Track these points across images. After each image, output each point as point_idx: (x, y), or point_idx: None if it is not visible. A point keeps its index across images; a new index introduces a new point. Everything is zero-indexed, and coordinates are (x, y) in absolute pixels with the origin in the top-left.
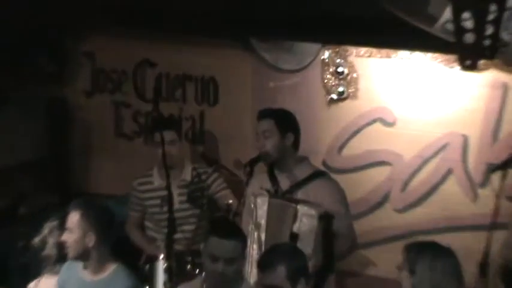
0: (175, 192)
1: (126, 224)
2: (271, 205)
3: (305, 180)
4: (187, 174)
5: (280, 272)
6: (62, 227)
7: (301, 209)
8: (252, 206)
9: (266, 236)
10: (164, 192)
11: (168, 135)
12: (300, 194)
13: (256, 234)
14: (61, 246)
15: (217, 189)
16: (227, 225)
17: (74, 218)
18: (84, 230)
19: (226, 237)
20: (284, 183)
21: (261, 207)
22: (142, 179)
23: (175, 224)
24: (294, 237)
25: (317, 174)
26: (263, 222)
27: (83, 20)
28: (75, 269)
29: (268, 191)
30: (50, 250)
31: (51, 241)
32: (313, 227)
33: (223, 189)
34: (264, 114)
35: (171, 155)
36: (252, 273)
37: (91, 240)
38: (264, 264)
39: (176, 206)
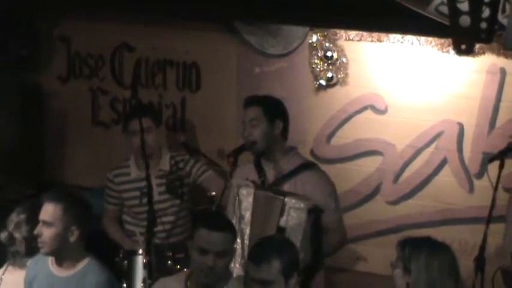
0: (153, 183)
1: (103, 218)
2: (257, 197)
3: (293, 171)
4: (165, 164)
5: (275, 266)
6: (31, 221)
7: (289, 201)
8: (237, 197)
9: (251, 229)
10: (142, 184)
11: (144, 122)
12: (287, 186)
13: (239, 227)
14: (31, 240)
15: (199, 173)
16: (217, 217)
17: (52, 210)
18: (67, 224)
19: (216, 230)
20: (271, 174)
21: (246, 199)
22: (118, 170)
23: (155, 216)
24: (281, 231)
25: (306, 166)
26: (248, 214)
27: (56, 1)
28: (44, 264)
29: (254, 182)
30: (18, 246)
31: (19, 236)
32: (302, 221)
33: (205, 171)
34: (251, 101)
35: (147, 144)
36: (234, 267)
37: (73, 235)
38: (258, 257)
39: (155, 197)
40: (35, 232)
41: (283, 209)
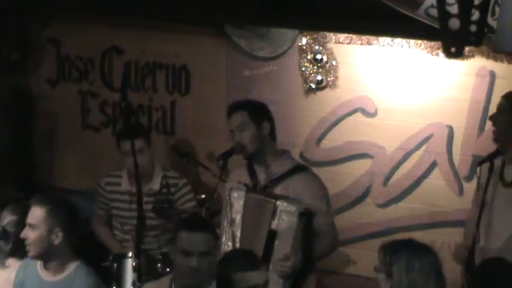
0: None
1: (92, 221)
2: (248, 200)
3: (285, 174)
4: (155, 183)
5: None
6: (21, 223)
7: (281, 205)
8: (228, 200)
9: (242, 232)
10: (132, 197)
11: (137, 143)
12: (279, 189)
13: (231, 230)
14: (17, 240)
15: (182, 201)
16: (196, 219)
17: (37, 213)
18: (50, 226)
19: (197, 230)
20: (263, 177)
21: (237, 201)
22: (110, 179)
23: (145, 221)
24: (272, 234)
25: (297, 169)
26: (238, 217)
27: (46, 4)
28: (33, 268)
29: (246, 185)
30: (3, 244)
31: (10, 233)
32: (293, 225)
33: (188, 201)
34: (235, 107)
35: (141, 165)
36: None
37: (57, 238)
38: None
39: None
40: (21, 235)
41: (274, 212)
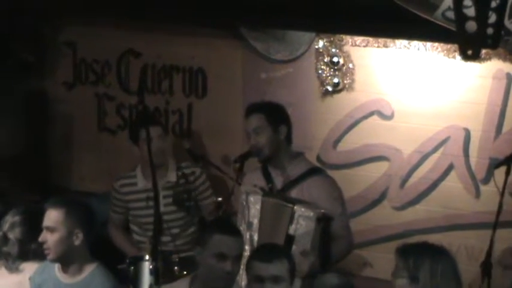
0: (160, 194)
1: (108, 225)
2: (265, 204)
3: (300, 177)
4: (172, 175)
5: (285, 264)
6: (26, 224)
7: (298, 210)
8: (245, 204)
9: (259, 236)
10: (149, 194)
11: (155, 131)
12: (294, 192)
13: (248, 234)
14: (24, 243)
15: (203, 196)
16: (229, 223)
17: (55, 216)
18: (70, 228)
19: (233, 234)
20: (278, 180)
21: (254, 205)
22: (124, 180)
23: (162, 222)
24: (290, 239)
25: (313, 171)
26: (256, 221)
27: (62, 7)
28: (50, 271)
29: (262, 189)
30: (11, 248)
31: (12, 237)
32: (310, 230)
33: (209, 197)
34: (253, 109)
35: (161, 151)
36: (243, 274)
37: (78, 239)
38: (269, 255)
39: (161, 209)
40: (40, 240)
41: (292, 217)
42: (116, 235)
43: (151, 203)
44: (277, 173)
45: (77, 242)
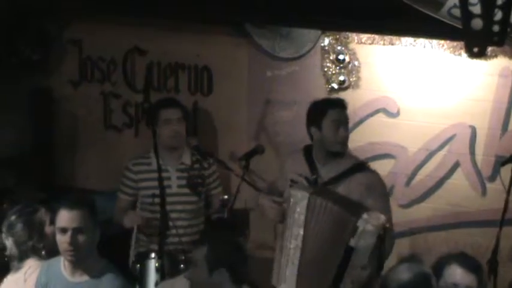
0: (173, 175)
1: (114, 208)
2: (311, 202)
3: (346, 172)
4: (187, 158)
5: None
6: (25, 224)
7: (361, 224)
8: (291, 200)
9: (305, 231)
10: (163, 175)
11: (175, 113)
12: (341, 188)
13: (294, 228)
14: (21, 243)
15: (213, 186)
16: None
17: (81, 216)
18: (94, 228)
19: None
20: (323, 172)
21: (299, 201)
22: (138, 160)
23: (168, 219)
24: (350, 250)
25: (359, 167)
26: (302, 218)
27: (68, 5)
28: (56, 270)
29: (307, 179)
30: (11, 249)
31: (11, 239)
32: (371, 243)
33: (217, 187)
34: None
35: (179, 134)
36: (287, 267)
37: (97, 238)
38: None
39: (174, 189)
40: (69, 241)
41: (354, 230)
42: (121, 216)
43: (164, 183)
44: (321, 163)
45: (96, 241)
